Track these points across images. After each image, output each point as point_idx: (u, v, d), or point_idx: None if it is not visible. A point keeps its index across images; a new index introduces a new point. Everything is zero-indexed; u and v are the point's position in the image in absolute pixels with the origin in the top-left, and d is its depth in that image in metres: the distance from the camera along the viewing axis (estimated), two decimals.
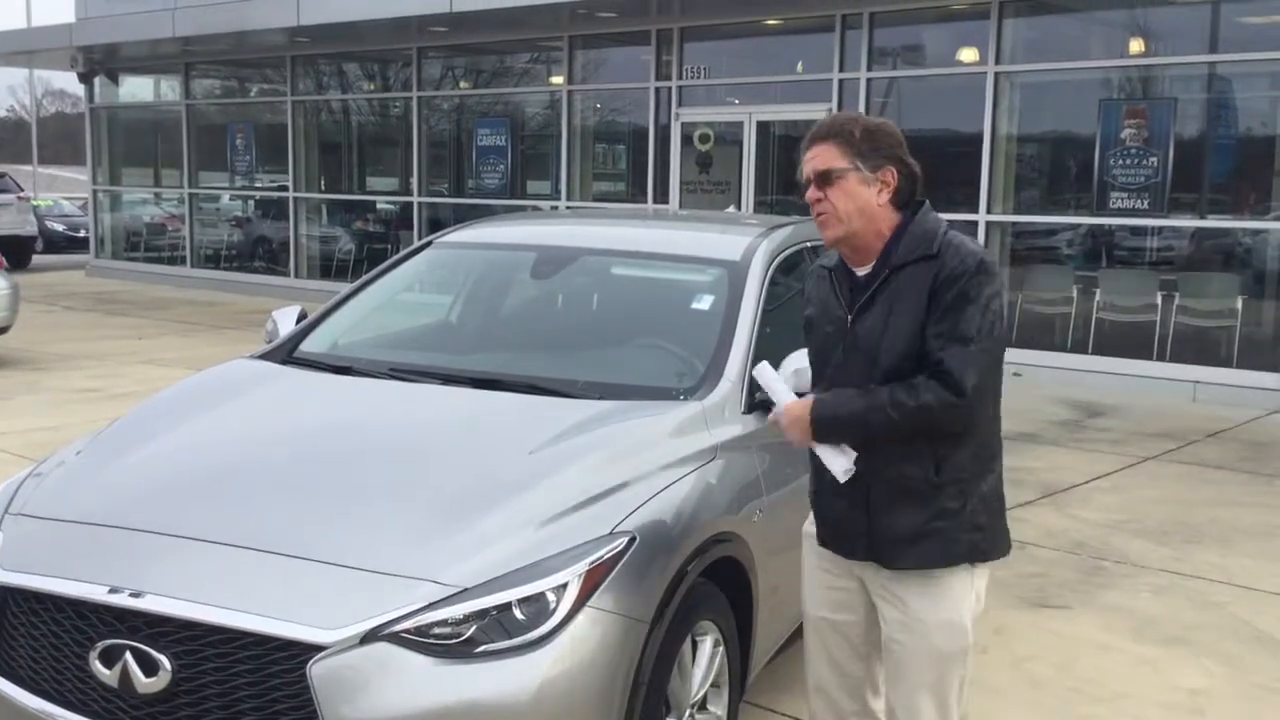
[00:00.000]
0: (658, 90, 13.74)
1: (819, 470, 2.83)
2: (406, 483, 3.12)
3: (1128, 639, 4.79)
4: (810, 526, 2.98)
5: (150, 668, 2.69)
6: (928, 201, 2.79)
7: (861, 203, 2.72)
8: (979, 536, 2.73)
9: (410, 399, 3.74)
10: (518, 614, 2.71)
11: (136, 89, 20.87)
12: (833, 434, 2.72)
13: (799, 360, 3.09)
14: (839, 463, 2.72)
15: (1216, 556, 5.85)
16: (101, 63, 20.13)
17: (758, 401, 3.61)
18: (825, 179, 2.73)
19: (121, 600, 2.74)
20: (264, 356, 4.21)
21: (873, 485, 2.72)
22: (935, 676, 2.77)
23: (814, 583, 2.97)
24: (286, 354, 4.18)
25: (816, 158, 2.75)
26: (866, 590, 2.86)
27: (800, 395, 2.83)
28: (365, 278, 4.71)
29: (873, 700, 2.98)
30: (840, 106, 12.14)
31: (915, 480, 2.69)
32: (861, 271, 2.79)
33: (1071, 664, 4.52)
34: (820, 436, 2.73)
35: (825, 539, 2.90)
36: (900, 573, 2.75)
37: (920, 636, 2.75)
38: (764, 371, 2.89)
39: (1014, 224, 11.64)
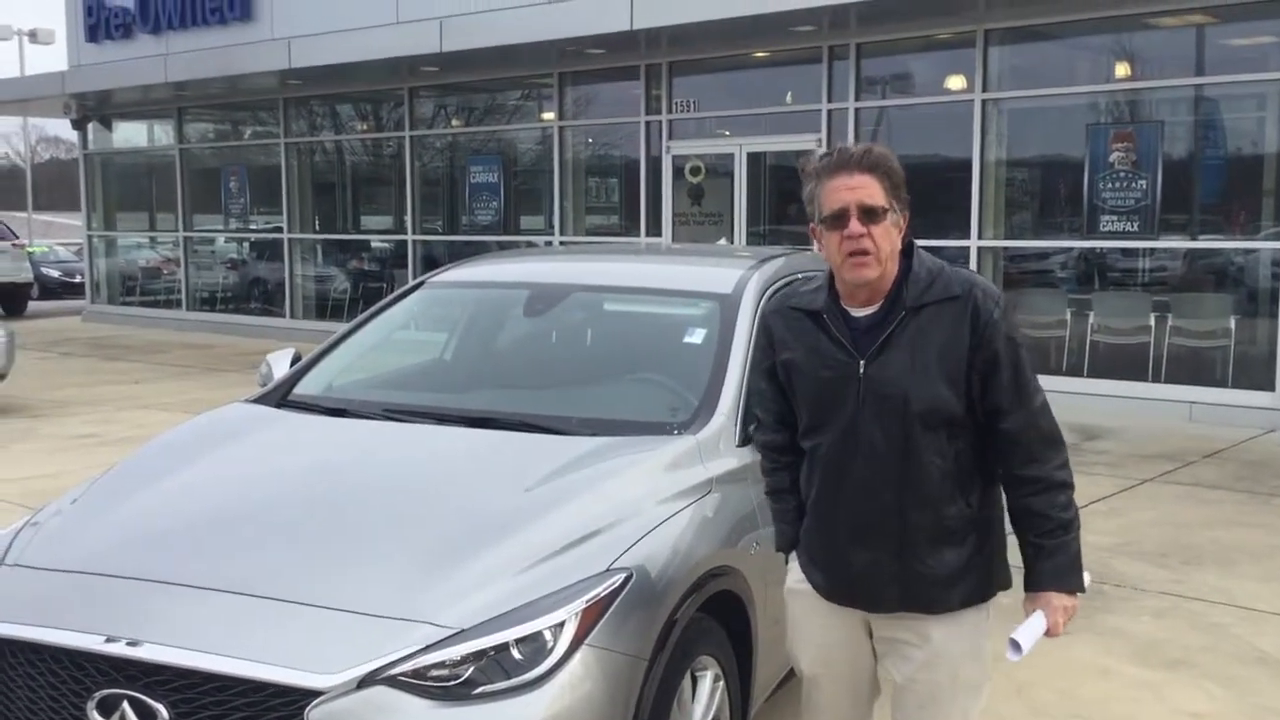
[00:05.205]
0: (648, 124, 13.82)
1: (826, 521, 2.72)
2: (402, 524, 3.12)
3: (1129, 663, 4.78)
4: (798, 584, 2.84)
5: (148, 716, 2.68)
6: (913, 239, 2.71)
7: (894, 245, 2.59)
8: (1002, 566, 2.72)
9: (405, 440, 3.76)
10: (515, 654, 2.70)
11: (130, 134, 20.96)
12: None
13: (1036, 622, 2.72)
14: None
15: (1216, 578, 5.84)
16: (95, 109, 20.23)
17: (751, 434, 3.62)
18: (871, 215, 2.54)
19: (118, 649, 2.73)
20: (259, 400, 4.22)
21: (906, 531, 2.60)
22: (960, 709, 2.74)
23: (811, 640, 2.85)
24: (281, 397, 4.19)
25: (862, 189, 2.54)
26: (868, 635, 2.80)
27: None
28: (358, 319, 4.73)
29: None
30: (830, 136, 12.21)
31: (953, 520, 2.62)
32: (861, 313, 2.65)
33: (1074, 689, 4.51)
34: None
35: (838, 593, 2.75)
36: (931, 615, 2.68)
37: (947, 672, 2.71)
38: (1028, 637, 2.63)
39: (1006, 249, 11.68)
